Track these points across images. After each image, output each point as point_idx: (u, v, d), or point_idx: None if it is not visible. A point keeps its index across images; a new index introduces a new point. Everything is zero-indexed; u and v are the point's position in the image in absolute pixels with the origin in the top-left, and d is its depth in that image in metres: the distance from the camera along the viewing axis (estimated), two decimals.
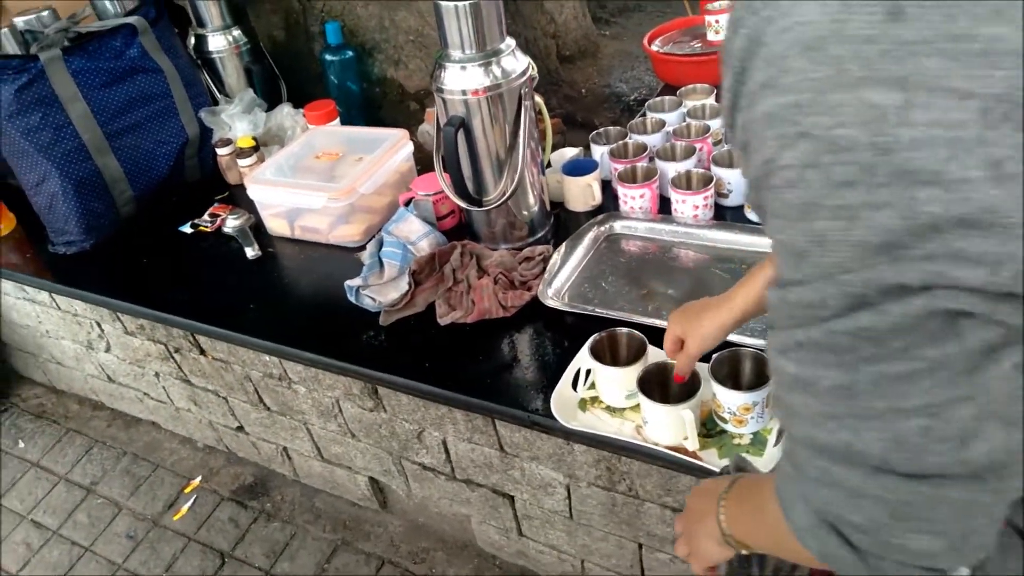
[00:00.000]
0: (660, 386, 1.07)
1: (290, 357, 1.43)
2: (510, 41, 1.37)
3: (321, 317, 1.43)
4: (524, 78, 1.37)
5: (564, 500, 1.32)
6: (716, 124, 1.66)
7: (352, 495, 1.77)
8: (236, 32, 2.05)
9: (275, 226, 1.70)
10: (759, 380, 1.03)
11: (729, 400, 1.01)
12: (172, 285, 1.59)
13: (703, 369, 1.04)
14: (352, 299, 1.43)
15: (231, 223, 1.73)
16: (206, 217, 1.80)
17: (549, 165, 1.69)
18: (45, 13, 1.89)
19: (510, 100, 1.36)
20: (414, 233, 1.50)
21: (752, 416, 1.02)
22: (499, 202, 1.43)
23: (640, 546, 1.29)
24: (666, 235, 1.47)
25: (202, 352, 1.68)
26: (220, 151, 1.91)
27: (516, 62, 1.36)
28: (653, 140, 1.62)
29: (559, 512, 1.36)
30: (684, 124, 1.62)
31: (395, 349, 1.33)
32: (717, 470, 0.99)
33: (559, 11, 2.39)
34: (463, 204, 1.44)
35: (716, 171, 1.48)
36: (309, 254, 1.63)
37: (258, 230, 1.72)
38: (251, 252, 1.63)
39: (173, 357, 1.78)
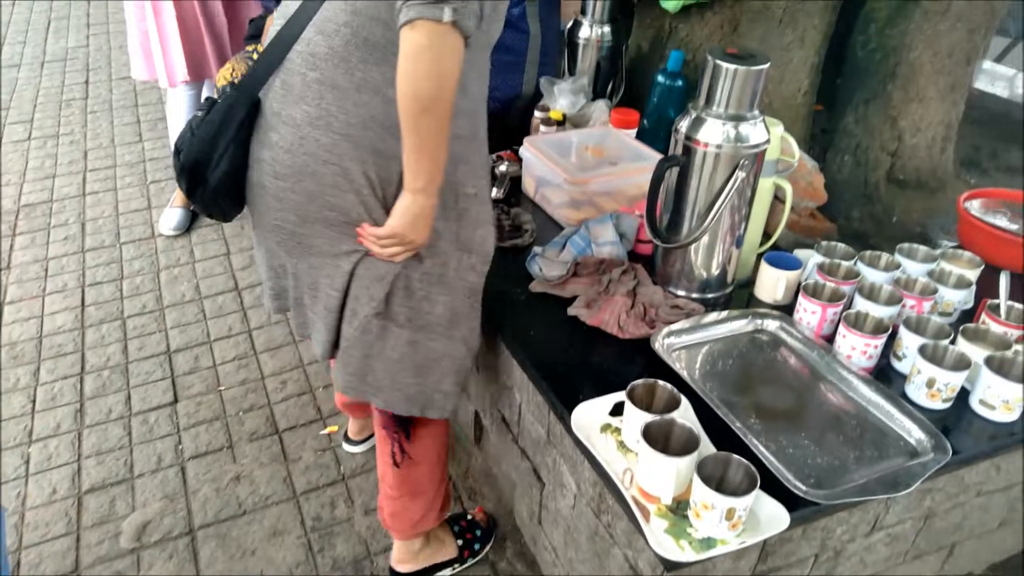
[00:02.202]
0: (664, 439, 1.12)
1: None
2: (756, 113, 1.44)
3: (502, 260, 1.67)
4: (753, 150, 1.43)
5: (570, 508, 1.42)
6: (951, 295, 1.53)
7: (463, 419, 2.03)
8: (606, 29, 2.34)
9: (527, 185, 1.99)
10: (734, 491, 1.04)
11: (698, 491, 1.04)
12: None
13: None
14: (528, 261, 1.66)
15: (501, 167, 2.05)
16: (492, 157, 2.14)
17: (776, 248, 1.70)
18: None
19: (727, 163, 1.44)
20: (602, 237, 1.66)
21: (710, 516, 1.03)
22: (675, 246, 1.53)
23: None
24: (809, 359, 1.43)
25: None
26: (537, 113, 2.24)
27: (753, 133, 1.43)
28: (875, 276, 1.56)
29: (564, 517, 1.46)
30: (912, 278, 1.52)
31: (523, 310, 1.53)
32: (656, 549, 1.04)
33: (912, 133, 2.26)
34: (648, 231, 1.56)
35: (903, 331, 1.39)
36: (535, 215, 1.88)
37: (516, 182, 2.02)
38: (496, 192, 1.94)
39: None
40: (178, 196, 3.00)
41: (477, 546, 1.74)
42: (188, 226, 2.97)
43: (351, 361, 1.38)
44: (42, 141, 3.66)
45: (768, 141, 1.46)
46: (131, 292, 2.60)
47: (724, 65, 1.39)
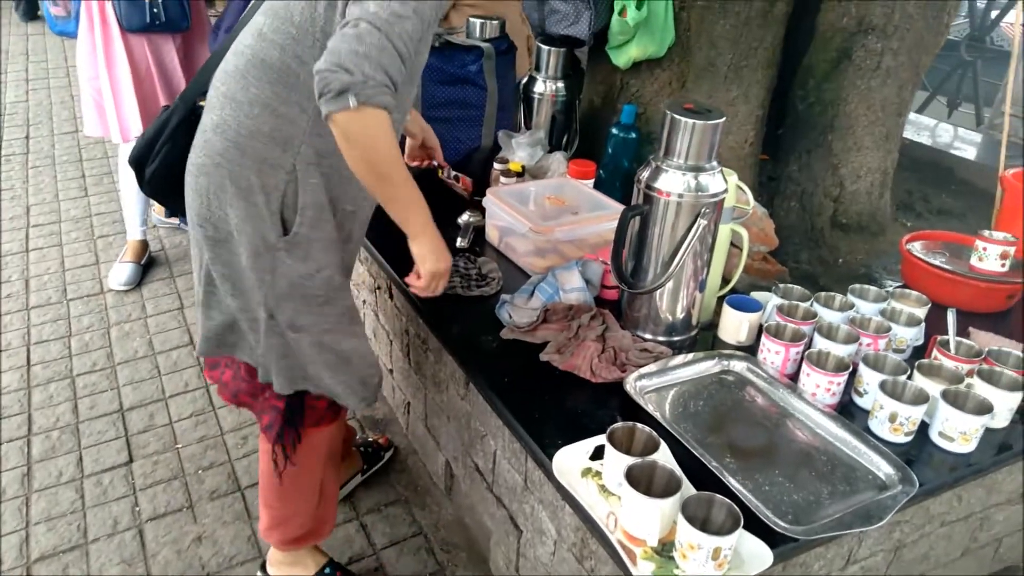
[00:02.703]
0: (646, 482, 1.14)
1: (433, 329, 1.72)
2: (714, 164, 1.51)
3: (470, 309, 1.69)
4: (712, 199, 1.50)
5: (550, 555, 1.42)
6: (903, 333, 1.61)
7: (432, 468, 2.01)
8: (560, 84, 2.43)
9: (491, 234, 2.02)
10: (718, 530, 1.06)
11: (683, 532, 1.06)
12: (399, 237, 1.98)
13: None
14: (497, 308, 1.68)
15: (464, 217, 2.08)
16: (466, 216, 2.13)
17: (734, 291, 1.76)
18: (494, 22, 2.38)
19: (688, 211, 1.50)
20: (569, 284, 1.70)
21: (697, 556, 1.05)
22: (641, 291, 1.57)
23: None
24: (775, 397, 1.48)
25: (391, 296, 2.06)
26: (496, 165, 2.29)
27: (711, 183, 1.50)
28: (831, 315, 1.63)
29: (543, 564, 1.45)
30: (867, 317, 1.60)
31: (495, 357, 1.54)
32: None
33: (852, 179, 2.39)
34: (615, 278, 1.61)
35: (863, 369, 1.45)
36: (500, 264, 1.91)
37: (480, 232, 2.05)
38: (460, 242, 1.97)
39: (375, 291, 2.19)
40: (129, 250, 2.94)
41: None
42: (139, 280, 2.90)
43: (272, 362, 1.44)
44: None
45: (726, 190, 1.53)
46: (80, 349, 2.52)
47: (682, 119, 1.46)
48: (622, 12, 2.21)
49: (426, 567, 1.79)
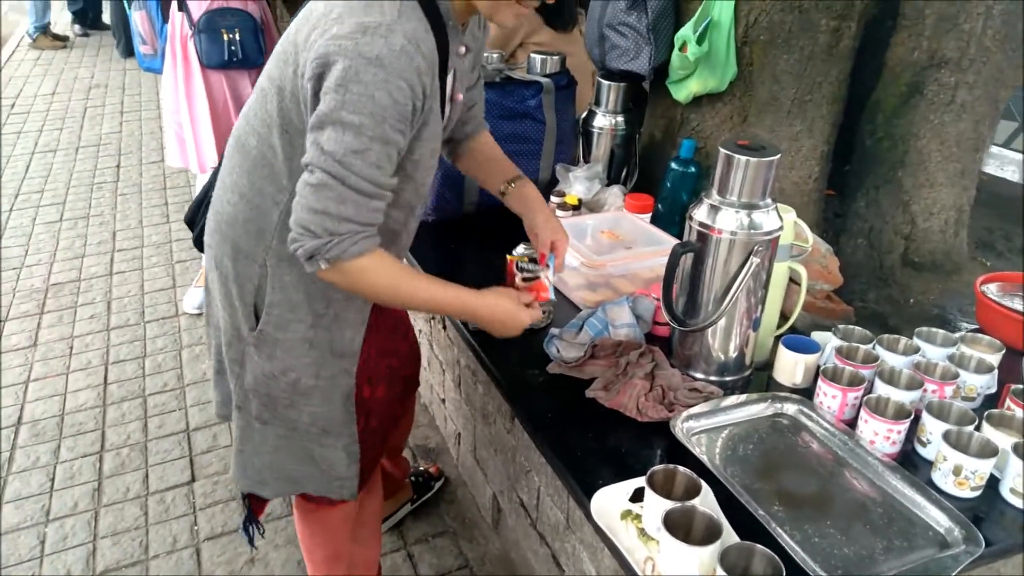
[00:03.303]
0: (686, 527, 1.11)
1: (481, 361, 1.73)
2: (768, 201, 1.48)
3: (519, 342, 1.69)
4: (766, 237, 1.47)
5: None
6: (973, 380, 1.52)
7: (481, 501, 2.01)
8: (619, 118, 2.43)
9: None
10: None
11: None
12: (451, 267, 2.02)
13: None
14: (545, 343, 1.68)
15: (519, 250, 2.09)
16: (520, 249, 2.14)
17: (794, 331, 1.72)
18: (555, 57, 2.46)
19: (741, 249, 1.47)
20: (619, 320, 1.68)
21: None
22: (692, 329, 1.54)
23: None
24: (831, 444, 1.42)
25: (444, 326, 2.08)
26: (553, 198, 2.30)
27: (766, 221, 1.46)
28: (894, 359, 1.56)
29: None
30: (933, 363, 1.52)
31: (541, 391, 1.54)
32: None
33: (925, 216, 2.30)
34: (666, 315, 1.58)
35: (926, 417, 1.38)
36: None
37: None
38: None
39: (429, 321, 2.22)
40: (202, 275, 3.08)
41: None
42: None
43: (234, 451, 1.43)
44: (73, 222, 3.79)
45: (781, 228, 1.49)
46: (153, 370, 2.64)
47: (737, 156, 1.44)
48: (682, 48, 2.21)
49: None
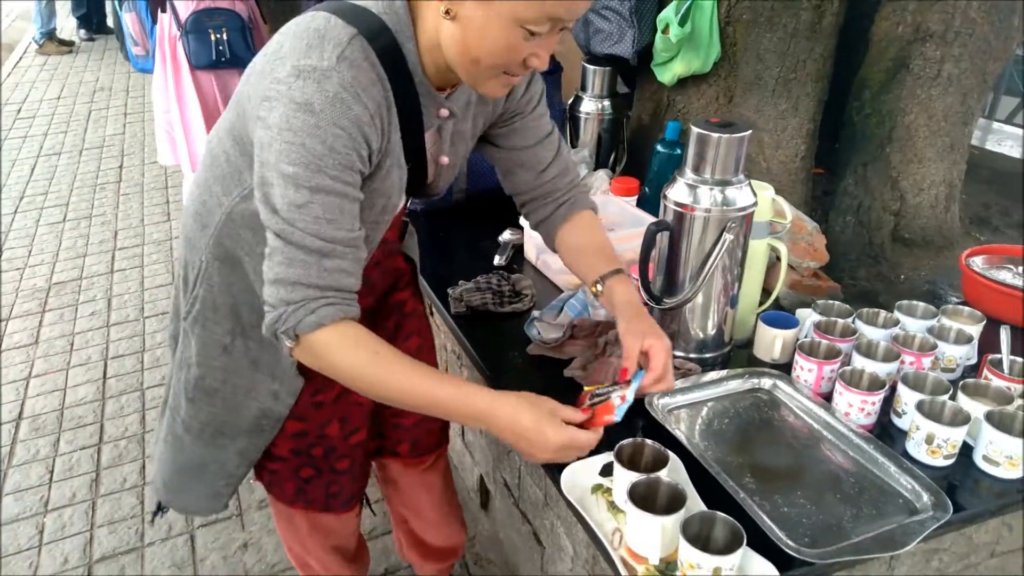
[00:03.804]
0: (652, 499, 1.12)
1: (464, 347, 1.75)
2: (742, 178, 1.48)
3: (502, 325, 1.71)
4: (740, 213, 1.47)
5: (568, 570, 1.40)
6: (952, 351, 1.52)
7: (470, 483, 2.02)
8: (606, 103, 2.43)
9: (529, 251, 2.04)
10: (721, 550, 1.03)
11: (683, 551, 1.03)
12: (439, 255, 2.03)
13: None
14: (526, 325, 1.69)
15: (505, 235, 2.11)
16: (507, 235, 2.15)
17: (776, 304, 1.72)
18: None
19: (715, 226, 1.47)
20: None
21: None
22: (667, 307, 1.55)
23: None
24: (807, 417, 1.42)
25: (431, 312, 2.09)
26: None
27: (739, 197, 1.46)
28: (873, 333, 1.56)
29: None
30: (911, 334, 1.52)
31: (521, 373, 1.55)
32: None
33: (914, 193, 2.29)
34: (644, 295, 1.59)
35: (901, 388, 1.38)
36: (536, 281, 1.92)
37: (520, 250, 2.07)
38: (497, 260, 1.99)
39: None
40: None
41: None
42: None
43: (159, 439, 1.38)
44: (76, 222, 3.84)
45: (755, 204, 1.49)
46: (151, 364, 2.68)
47: (708, 134, 1.44)
48: (665, 30, 2.20)
49: (453, 572, 1.80)
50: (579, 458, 1.21)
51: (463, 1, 0.97)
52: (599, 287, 1.24)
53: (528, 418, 1.02)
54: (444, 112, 1.16)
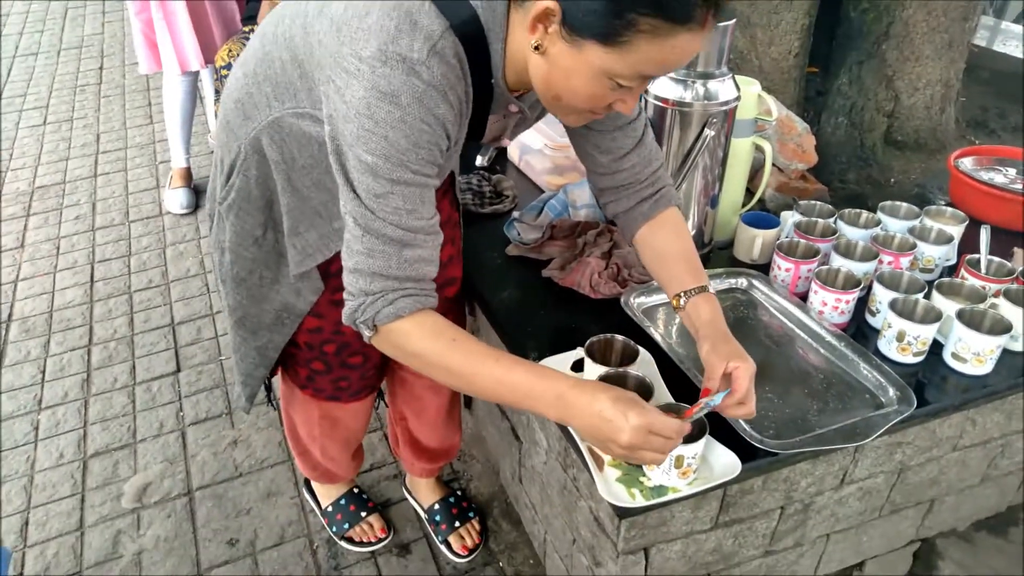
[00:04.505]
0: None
1: None
2: (725, 71, 1.43)
3: (482, 226, 1.70)
4: (722, 108, 1.43)
5: (543, 464, 1.44)
6: (931, 251, 1.51)
7: None
8: None
9: (512, 152, 2.00)
10: (685, 440, 1.05)
11: None
12: None
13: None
14: (506, 226, 1.68)
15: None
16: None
17: (761, 206, 1.71)
18: None
19: (696, 122, 1.43)
20: (580, 201, 1.67)
21: (659, 466, 1.05)
22: None
23: (573, 540, 1.37)
24: (782, 316, 1.43)
25: None
26: None
27: (721, 90, 1.42)
28: (854, 233, 1.55)
29: (538, 473, 1.48)
30: (891, 234, 1.51)
31: (499, 274, 1.55)
32: (607, 497, 1.06)
33: (909, 93, 2.23)
34: None
35: (877, 286, 1.38)
36: (517, 181, 1.89)
37: (502, 151, 2.03)
38: (480, 160, 1.95)
39: None
40: (175, 177, 3.05)
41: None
42: (196, 204, 3.03)
43: None
44: (57, 125, 3.75)
45: (738, 98, 1.45)
46: (138, 268, 2.68)
47: None
48: None
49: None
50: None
51: (555, 42, 0.91)
52: (682, 301, 1.16)
53: (607, 397, 0.94)
54: (513, 108, 1.11)
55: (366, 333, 1.00)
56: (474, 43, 0.96)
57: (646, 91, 1.47)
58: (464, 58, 0.96)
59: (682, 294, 1.16)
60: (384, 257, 0.96)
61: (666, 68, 0.92)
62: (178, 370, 2.23)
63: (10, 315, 2.46)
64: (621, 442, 0.93)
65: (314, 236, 1.19)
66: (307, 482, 1.81)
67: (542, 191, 1.85)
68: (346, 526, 1.73)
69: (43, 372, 2.23)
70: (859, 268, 1.42)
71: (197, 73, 2.87)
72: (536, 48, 0.93)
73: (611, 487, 1.07)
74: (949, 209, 1.62)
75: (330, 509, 1.75)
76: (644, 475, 1.08)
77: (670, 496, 1.06)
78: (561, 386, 0.96)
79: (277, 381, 1.54)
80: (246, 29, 2.56)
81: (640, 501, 1.05)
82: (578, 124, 1.09)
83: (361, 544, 1.73)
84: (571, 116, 1.03)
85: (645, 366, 1.22)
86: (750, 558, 1.35)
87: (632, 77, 0.91)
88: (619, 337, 1.21)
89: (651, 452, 0.95)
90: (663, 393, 1.16)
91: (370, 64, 0.90)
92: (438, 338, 0.99)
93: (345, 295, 1.01)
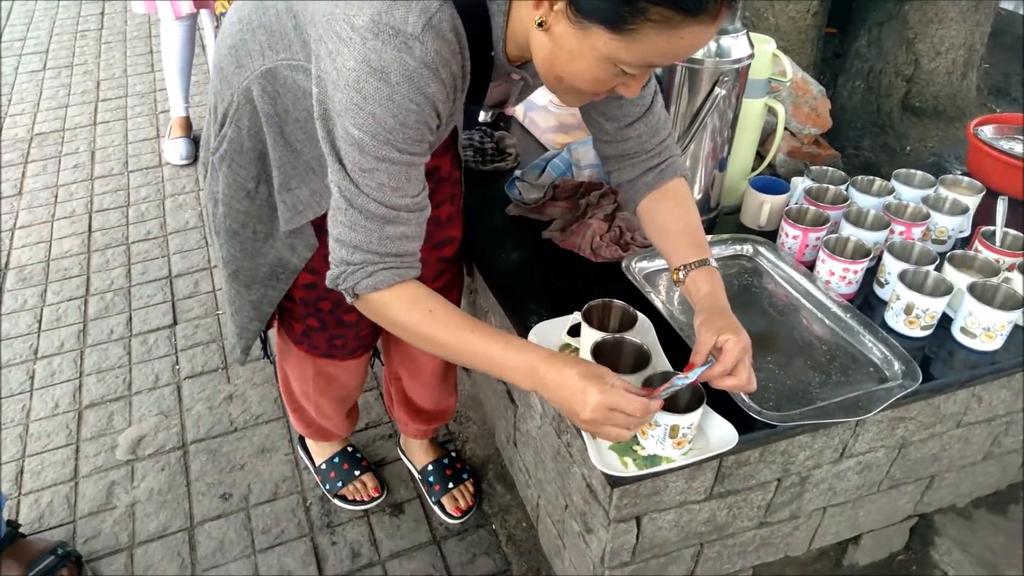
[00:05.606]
0: (616, 358, 1.11)
1: None
2: (739, 27, 1.37)
3: (484, 184, 1.65)
4: (734, 66, 1.37)
5: (537, 428, 1.42)
6: (945, 222, 1.46)
7: None
8: None
9: (516, 109, 1.94)
10: (681, 409, 1.02)
11: None
12: None
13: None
14: (507, 185, 1.63)
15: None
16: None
17: (772, 171, 1.65)
18: None
19: (707, 80, 1.37)
20: (584, 160, 1.62)
21: (654, 433, 1.02)
22: None
23: (566, 506, 1.36)
24: (788, 284, 1.39)
25: None
26: None
27: (734, 47, 1.36)
28: (866, 201, 1.50)
29: (532, 437, 1.46)
30: (904, 203, 1.46)
31: (499, 234, 1.51)
32: (599, 465, 1.04)
33: (930, 57, 2.15)
34: None
35: (886, 257, 1.34)
36: (521, 138, 1.84)
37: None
38: (483, 116, 1.90)
39: None
40: (175, 126, 2.99)
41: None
42: (195, 155, 2.98)
43: None
44: (56, 71, 3.69)
45: (752, 56, 1.39)
46: (136, 218, 2.64)
47: None
48: None
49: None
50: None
51: (559, 20, 0.85)
52: (682, 275, 1.12)
53: (574, 372, 0.93)
54: (515, 76, 1.07)
55: (348, 299, 1.02)
56: (474, 15, 0.92)
57: None
58: (462, 31, 0.92)
59: (682, 268, 1.12)
60: (366, 232, 0.96)
61: (673, 59, 0.89)
62: (175, 323, 2.21)
63: (7, 263, 2.44)
64: (583, 417, 0.93)
65: (306, 192, 1.15)
66: (301, 439, 1.80)
67: (546, 149, 1.80)
68: (339, 484, 1.72)
69: (39, 321, 2.21)
70: (869, 237, 1.38)
71: (195, 18, 2.79)
72: (540, 24, 0.88)
73: (603, 455, 1.05)
74: (966, 179, 1.57)
75: (324, 466, 1.74)
76: (638, 443, 1.06)
77: (664, 466, 1.03)
78: (534, 359, 0.96)
79: (273, 334, 1.52)
80: None
81: (633, 470, 1.03)
82: (578, 104, 1.06)
83: (354, 502, 1.72)
84: (571, 96, 0.99)
85: (644, 333, 1.19)
86: (744, 529, 1.33)
87: (637, 65, 0.87)
88: (617, 302, 1.17)
89: (614, 428, 0.94)
90: (661, 361, 1.13)
91: (362, 35, 0.86)
92: (416, 309, 1.00)
93: (329, 259, 1.00)
